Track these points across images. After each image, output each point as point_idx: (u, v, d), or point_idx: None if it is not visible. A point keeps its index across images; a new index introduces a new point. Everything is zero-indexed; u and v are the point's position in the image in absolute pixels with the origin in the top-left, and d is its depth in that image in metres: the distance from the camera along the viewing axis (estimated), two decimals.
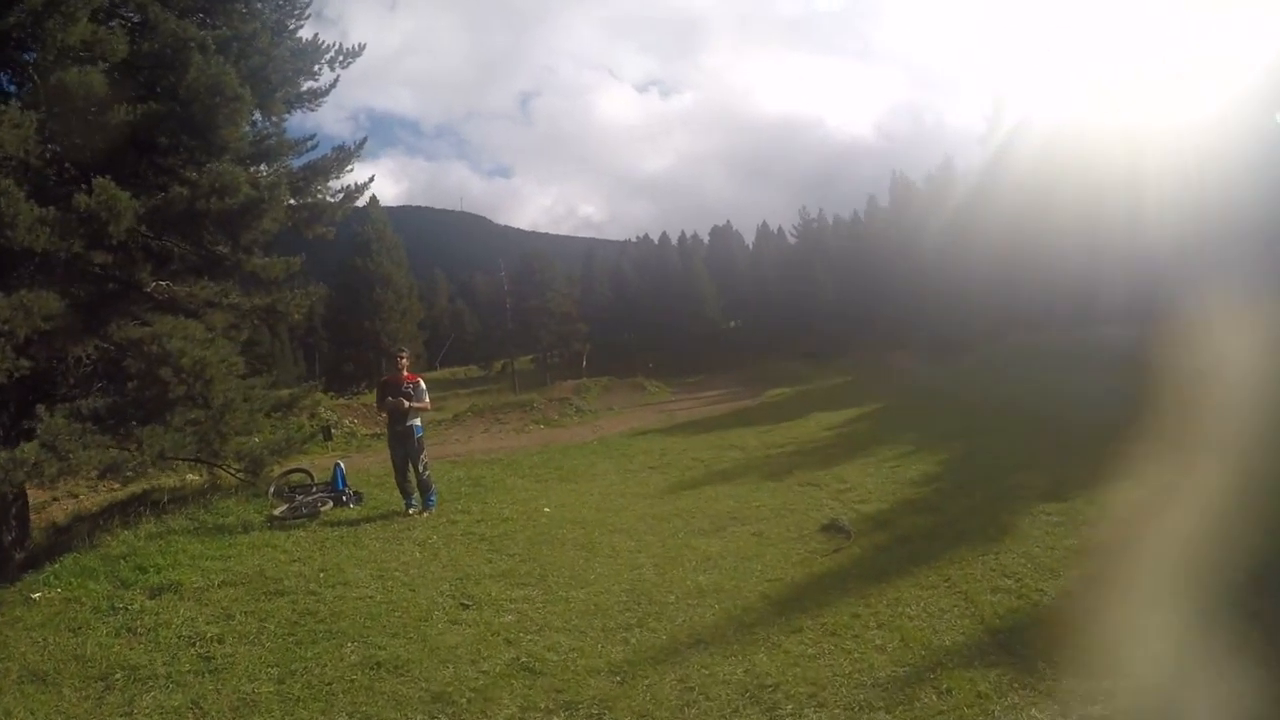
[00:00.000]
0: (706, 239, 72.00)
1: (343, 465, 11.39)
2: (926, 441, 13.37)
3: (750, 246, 70.24)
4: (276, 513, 9.91)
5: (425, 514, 9.80)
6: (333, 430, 25.78)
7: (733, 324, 66.72)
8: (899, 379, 27.71)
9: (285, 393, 13.74)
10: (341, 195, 13.23)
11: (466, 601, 6.31)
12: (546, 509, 10.10)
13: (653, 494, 11.07)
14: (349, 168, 13.19)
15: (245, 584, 7.19)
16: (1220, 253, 16.32)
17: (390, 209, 78.42)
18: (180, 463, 12.96)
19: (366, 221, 49.47)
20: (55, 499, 16.12)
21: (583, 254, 77.58)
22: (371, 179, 13.77)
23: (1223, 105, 18.93)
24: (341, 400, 38.15)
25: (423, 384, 10.03)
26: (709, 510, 9.55)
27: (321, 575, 7.35)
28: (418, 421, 9.98)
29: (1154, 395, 8.34)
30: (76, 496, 17.91)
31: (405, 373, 10.09)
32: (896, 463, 11.82)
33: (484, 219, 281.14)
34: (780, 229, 69.30)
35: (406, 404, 9.73)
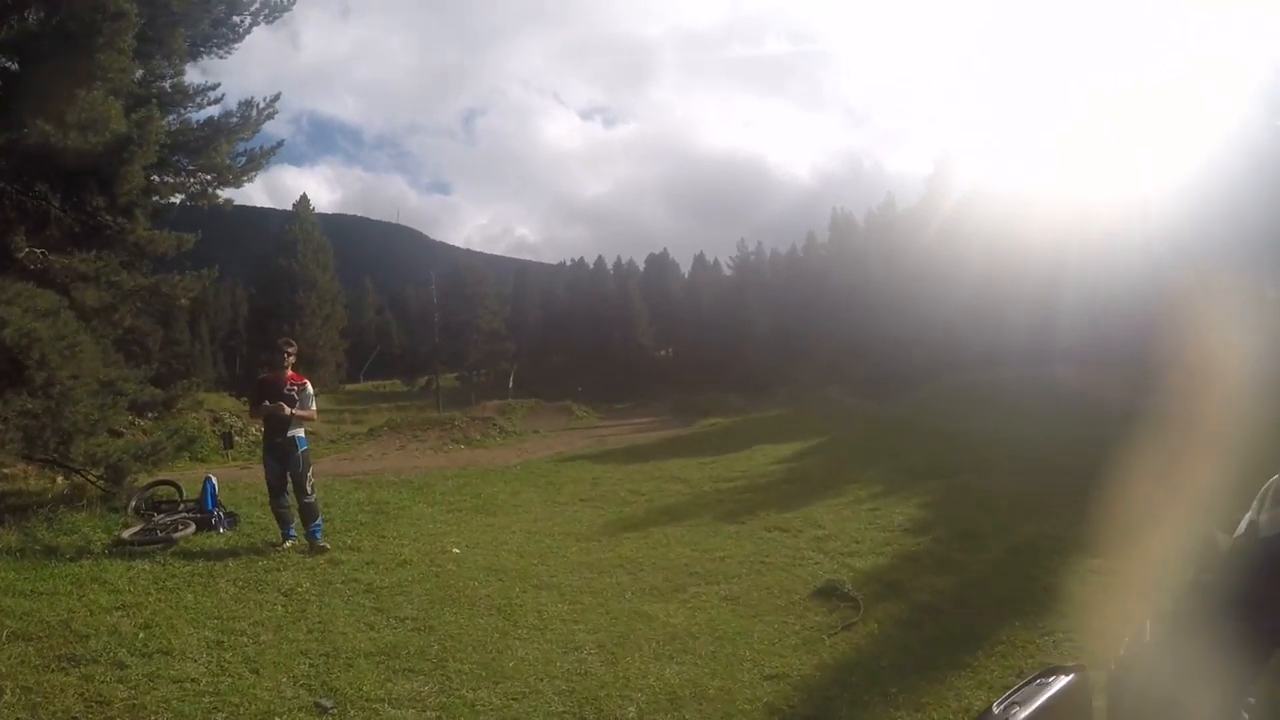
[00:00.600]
0: (642, 266, 70.58)
1: (214, 480, 9.39)
2: (896, 480, 11.78)
3: (686, 276, 69.41)
4: (125, 535, 7.94)
5: (305, 548, 7.79)
6: (234, 437, 23.29)
7: (664, 352, 65.62)
8: (840, 413, 26.13)
9: (158, 392, 11.43)
10: (244, 160, 11.25)
11: (325, 702, 4.32)
12: (455, 549, 8.19)
13: (587, 534, 9.18)
14: (256, 130, 11.17)
15: (39, 639, 5.25)
16: (1174, 286, 15.69)
17: (324, 216, 75.78)
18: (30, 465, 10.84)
19: (294, 221, 46.76)
20: None
21: (515, 274, 75.51)
22: (280, 143, 11.87)
23: (1175, 135, 18.70)
24: (244, 405, 35.43)
25: (310, 388, 8.08)
26: (660, 560, 7.70)
27: (141, 635, 5.36)
28: (301, 433, 8.05)
29: (1121, 437, 6.85)
30: None
31: (290, 371, 8.07)
32: (873, 504, 10.16)
33: (419, 233, 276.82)
34: (716, 260, 69.02)
35: (288, 411, 7.78)
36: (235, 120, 10.91)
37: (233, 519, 8.91)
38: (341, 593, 6.43)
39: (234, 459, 22.39)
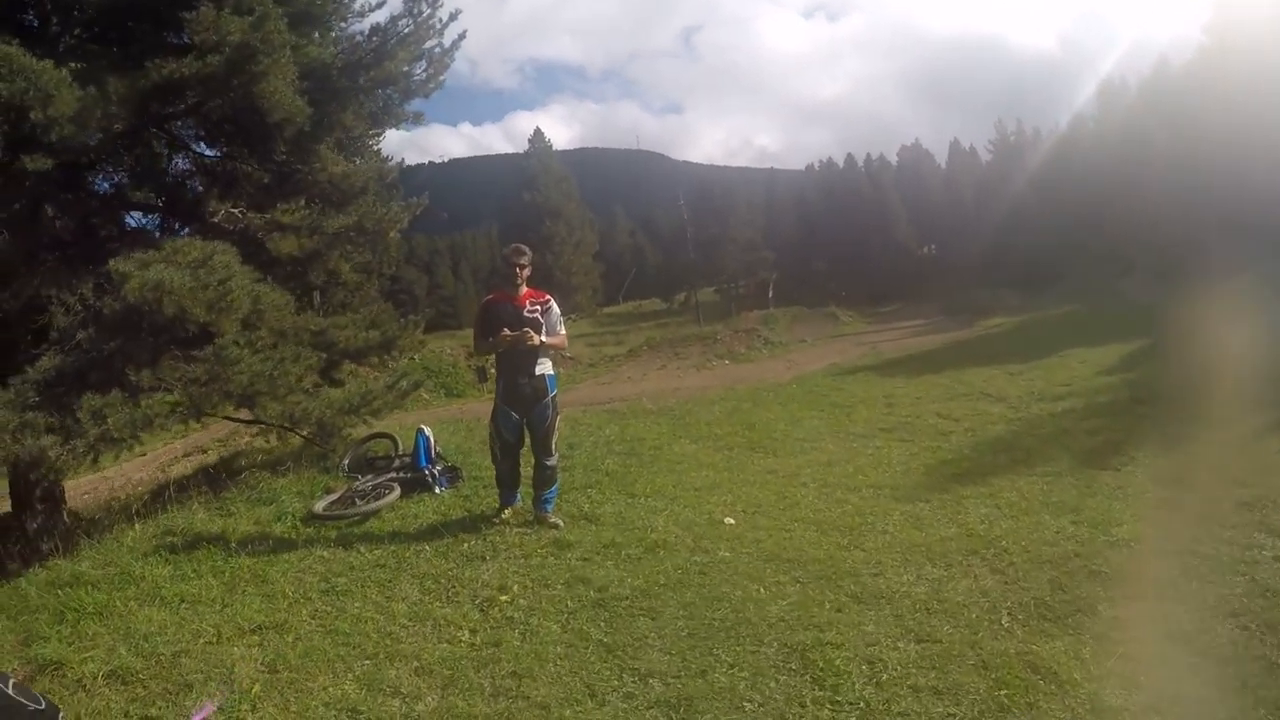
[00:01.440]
0: (894, 161, 65.18)
1: (428, 433, 7.74)
2: None
3: (943, 167, 63.08)
4: (318, 507, 6.47)
5: (530, 519, 5.86)
6: (488, 371, 23.00)
7: (927, 250, 60.95)
8: (1137, 310, 20.86)
9: (373, 334, 10.15)
10: (425, 66, 9.65)
11: None
12: (729, 518, 5.86)
13: (909, 488, 6.48)
14: (431, 31, 9.50)
15: (130, 681, 3.82)
16: None
17: (565, 152, 77.03)
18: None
19: (532, 155, 46.68)
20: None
21: (763, 184, 72.28)
22: (463, 35, 9.93)
23: None
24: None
25: (555, 306, 5.82)
26: (1033, 543, 4.93)
27: (258, 688, 3.65)
28: (549, 369, 5.85)
29: None
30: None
31: (525, 288, 5.78)
32: None
33: (661, 155, 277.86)
34: (972, 147, 61.92)
35: (535, 339, 5.56)
36: (406, 25, 9.28)
37: (453, 474, 7.26)
38: (559, 609, 4.32)
39: (490, 393, 21.92)
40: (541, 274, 44.30)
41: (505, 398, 5.75)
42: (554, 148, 49.67)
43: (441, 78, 10.03)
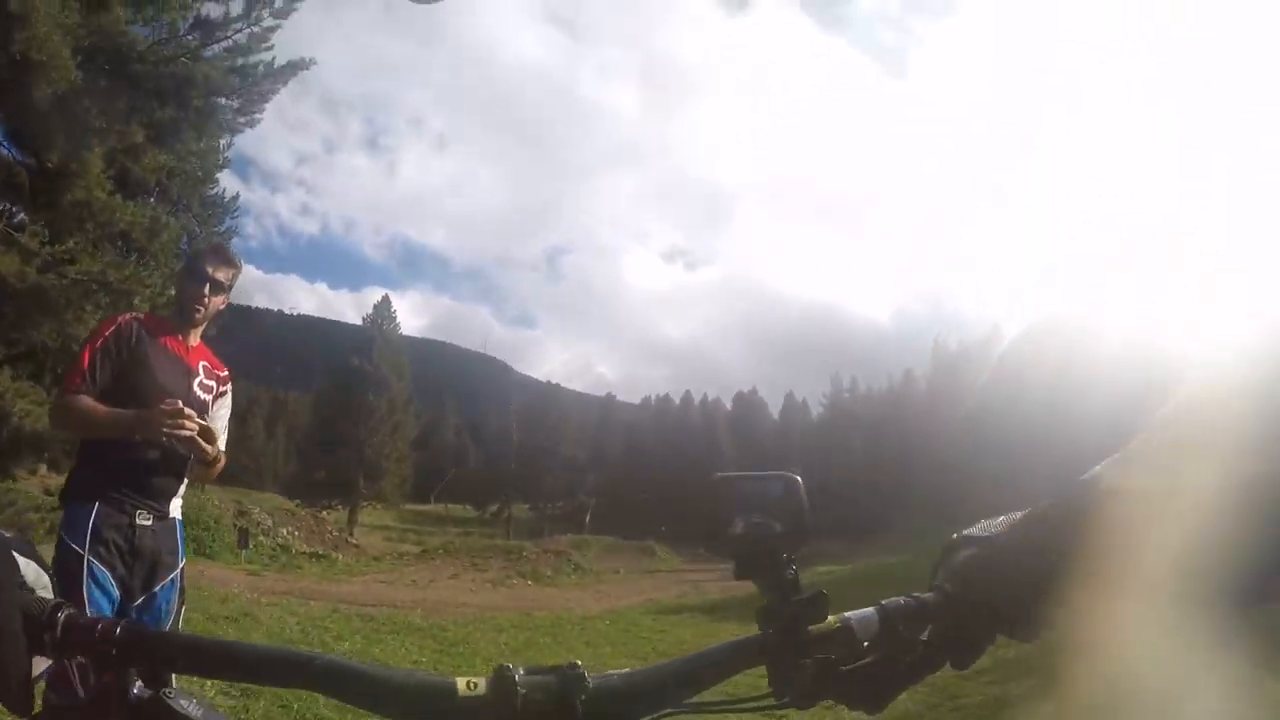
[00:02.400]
0: (729, 405, 67.41)
1: None
2: None
3: (775, 417, 65.55)
4: None
5: None
6: (249, 537, 19.60)
7: None
8: None
9: None
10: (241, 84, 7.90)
11: None
12: None
13: None
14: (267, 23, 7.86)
15: None
16: None
17: (411, 340, 75.52)
18: None
19: (372, 319, 44.49)
20: None
21: (598, 409, 72.74)
22: (312, 62, 8.32)
23: None
24: (295, 506, 32.19)
25: (231, 398, 3.19)
26: None
27: None
28: (179, 509, 2.97)
29: None
30: None
31: (198, 336, 3.13)
32: None
33: (503, 364, 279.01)
34: (804, 401, 65.20)
35: (208, 448, 2.83)
36: (240, 26, 7.67)
37: None
38: None
39: (247, 561, 18.92)
40: (353, 448, 41.57)
41: (97, 542, 2.64)
42: (400, 331, 47.70)
43: (258, 113, 8.26)
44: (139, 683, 0.62)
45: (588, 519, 53.08)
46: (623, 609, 14.01)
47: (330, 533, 26.54)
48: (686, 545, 42.57)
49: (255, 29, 7.77)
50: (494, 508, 61.18)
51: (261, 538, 21.55)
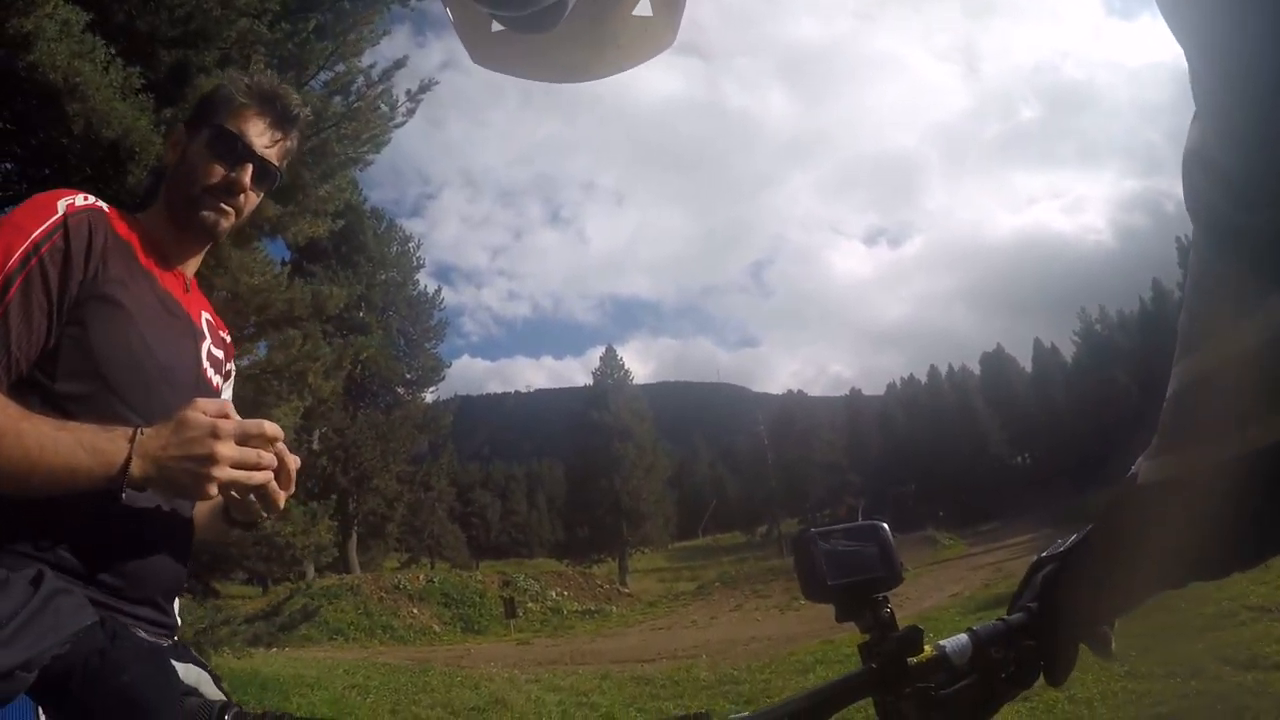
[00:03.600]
0: (977, 371, 62.91)
1: None
2: None
3: (1028, 370, 60.68)
4: None
5: None
6: (516, 605, 18.84)
7: (1021, 459, 58.23)
8: None
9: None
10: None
11: None
12: None
13: None
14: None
15: None
16: None
17: (644, 386, 77.75)
18: None
19: (602, 375, 44.64)
20: None
21: (844, 407, 71.35)
22: (405, 59, 7.12)
23: None
24: (564, 566, 32.03)
25: (234, 373, 1.47)
26: None
27: None
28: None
29: None
30: None
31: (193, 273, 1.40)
32: None
33: (741, 388, 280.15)
34: (1053, 345, 59.80)
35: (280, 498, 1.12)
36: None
37: None
38: None
39: (517, 630, 18.19)
40: (609, 499, 41.49)
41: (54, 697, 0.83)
42: (633, 380, 47.83)
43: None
44: None
45: (860, 519, 50.74)
46: (931, 612, 11.72)
47: (601, 586, 25.79)
48: (968, 526, 39.60)
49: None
50: (762, 529, 60.33)
51: (530, 604, 20.99)
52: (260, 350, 7.37)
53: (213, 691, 0.72)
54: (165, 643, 0.78)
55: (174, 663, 0.69)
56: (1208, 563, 0.63)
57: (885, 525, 0.84)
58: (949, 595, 14.56)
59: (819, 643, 9.46)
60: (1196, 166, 0.52)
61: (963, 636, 0.76)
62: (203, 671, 0.72)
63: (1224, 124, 0.48)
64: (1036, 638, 0.75)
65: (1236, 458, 0.53)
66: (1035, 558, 0.80)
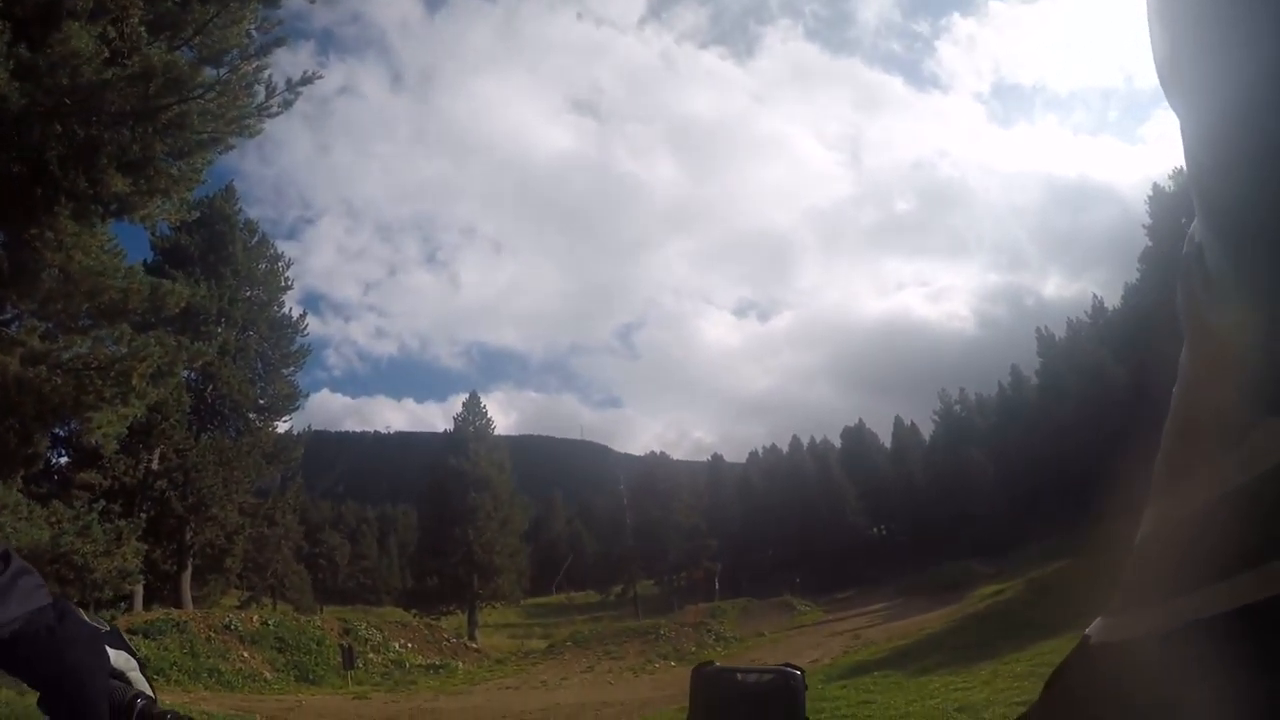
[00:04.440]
0: (838, 443, 64.87)
1: None
2: None
3: (887, 446, 63.04)
4: None
5: None
6: (355, 655, 17.74)
7: (877, 530, 59.22)
8: None
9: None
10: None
11: None
12: None
13: None
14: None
15: None
16: None
17: (507, 437, 76.38)
18: None
19: (463, 421, 43.45)
20: None
21: (706, 472, 71.54)
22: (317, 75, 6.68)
23: None
24: (411, 616, 30.64)
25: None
26: None
27: None
28: None
29: None
30: None
31: None
32: None
33: (604, 446, 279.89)
34: (913, 423, 62.87)
35: None
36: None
37: None
38: None
39: (355, 682, 17.10)
40: (462, 550, 40.19)
41: None
42: (495, 429, 46.84)
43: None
44: None
45: (716, 585, 51.10)
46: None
47: (448, 640, 24.67)
48: (825, 593, 40.39)
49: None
50: (617, 589, 59.81)
51: (371, 654, 19.80)
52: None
53: (139, 679, 0.80)
54: (105, 628, 0.86)
55: (108, 649, 0.77)
56: None
57: (800, 672, 0.79)
58: (809, 661, 14.52)
59: (675, 709, 9.15)
60: (1185, 267, 0.46)
61: None
62: (130, 658, 0.80)
63: (1212, 202, 0.43)
64: None
65: (1217, 616, 0.45)
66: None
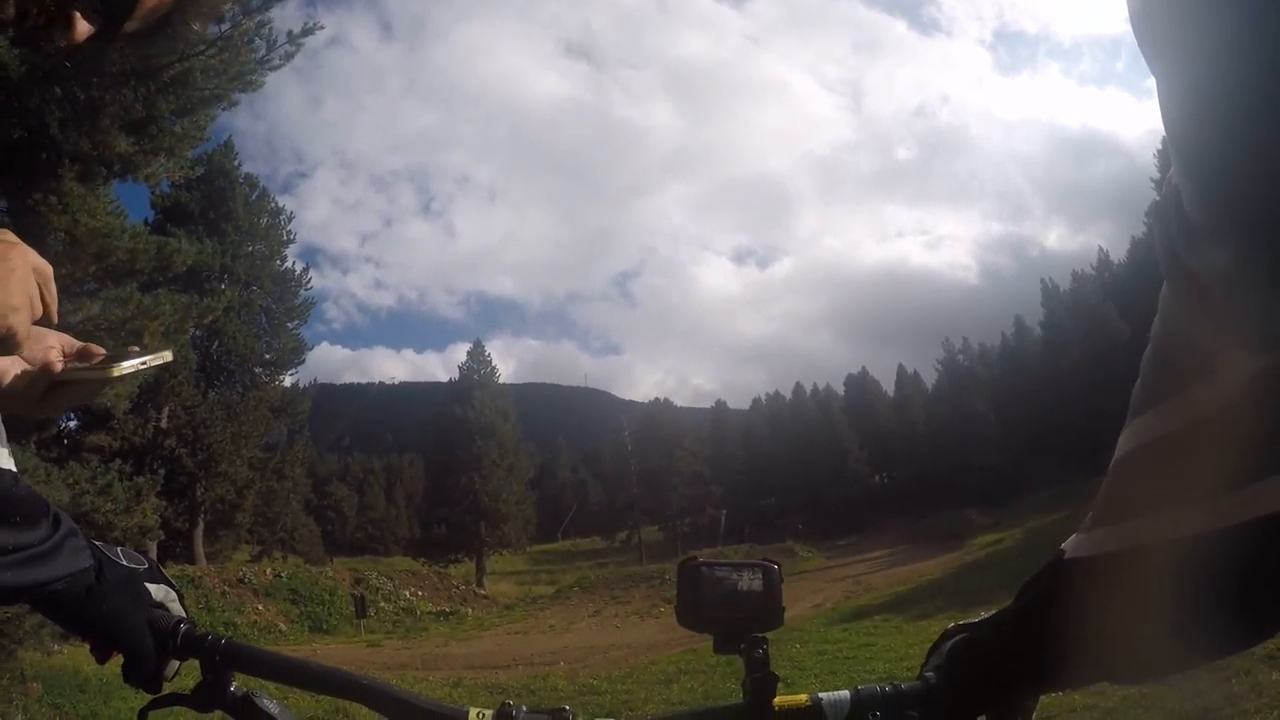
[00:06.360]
0: (841, 391, 65.24)
1: None
2: None
3: (890, 394, 63.42)
4: None
5: None
6: (368, 605, 18.12)
7: (880, 478, 60.40)
8: None
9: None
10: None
11: None
12: None
13: None
14: None
15: None
16: None
17: (511, 385, 76.20)
18: None
19: (467, 370, 43.47)
20: None
21: (709, 418, 72.09)
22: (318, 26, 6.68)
23: None
24: (420, 565, 31.07)
25: None
26: None
27: None
28: None
29: None
30: None
31: None
32: None
33: (607, 394, 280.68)
34: (916, 372, 63.23)
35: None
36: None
37: None
38: None
39: (367, 631, 17.51)
40: (469, 499, 40.53)
41: None
42: (499, 377, 46.85)
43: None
44: (234, 684, 0.81)
45: (720, 531, 51.50)
46: (794, 622, 11.86)
47: (457, 587, 25.11)
48: (827, 540, 40.77)
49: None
50: (623, 535, 60.65)
51: (382, 603, 20.22)
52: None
53: (178, 609, 0.87)
54: (142, 567, 0.91)
55: (146, 585, 0.84)
56: (1157, 656, 0.58)
57: (777, 566, 0.82)
58: (811, 605, 14.87)
59: (681, 652, 9.40)
60: (1163, 210, 0.48)
61: (844, 692, 0.75)
62: (169, 590, 0.86)
63: (1186, 152, 0.44)
64: (926, 708, 0.73)
65: (1202, 534, 0.49)
66: (948, 625, 0.78)
